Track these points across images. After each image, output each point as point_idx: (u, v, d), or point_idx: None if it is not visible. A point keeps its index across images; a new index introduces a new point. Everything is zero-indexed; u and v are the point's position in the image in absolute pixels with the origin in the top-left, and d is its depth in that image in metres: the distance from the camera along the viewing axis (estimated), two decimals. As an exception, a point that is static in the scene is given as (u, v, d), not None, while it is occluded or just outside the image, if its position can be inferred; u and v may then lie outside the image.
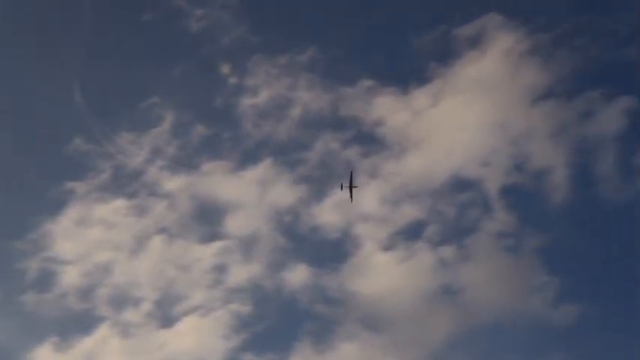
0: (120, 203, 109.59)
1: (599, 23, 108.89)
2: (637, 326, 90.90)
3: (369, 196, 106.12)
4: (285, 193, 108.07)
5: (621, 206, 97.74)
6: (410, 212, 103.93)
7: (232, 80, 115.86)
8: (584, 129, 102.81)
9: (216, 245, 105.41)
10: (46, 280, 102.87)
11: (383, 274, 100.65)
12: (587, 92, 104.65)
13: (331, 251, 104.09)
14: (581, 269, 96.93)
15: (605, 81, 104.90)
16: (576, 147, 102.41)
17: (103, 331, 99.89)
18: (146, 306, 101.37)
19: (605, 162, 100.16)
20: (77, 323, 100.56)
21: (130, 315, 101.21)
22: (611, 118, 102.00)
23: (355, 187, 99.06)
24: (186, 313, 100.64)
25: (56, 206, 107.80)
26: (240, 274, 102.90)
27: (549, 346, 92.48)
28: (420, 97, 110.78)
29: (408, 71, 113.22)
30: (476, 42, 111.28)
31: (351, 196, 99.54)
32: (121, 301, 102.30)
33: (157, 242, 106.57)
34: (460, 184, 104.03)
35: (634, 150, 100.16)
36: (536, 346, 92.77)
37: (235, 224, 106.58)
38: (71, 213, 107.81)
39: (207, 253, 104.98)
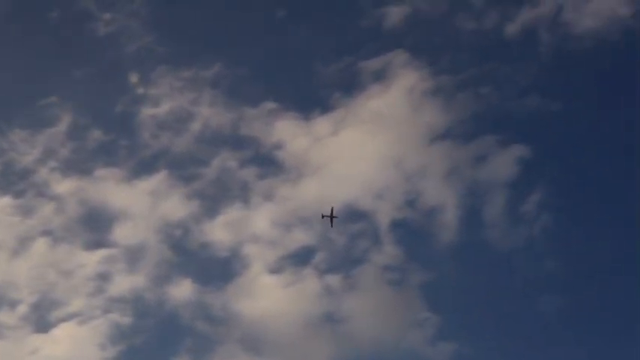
0: (6, 201, 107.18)
1: (502, 72, 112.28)
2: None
3: (262, 218, 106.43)
4: (177, 206, 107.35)
5: (505, 251, 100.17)
6: (301, 237, 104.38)
7: (134, 88, 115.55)
8: (477, 172, 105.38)
9: (102, 253, 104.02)
10: None
11: (268, 297, 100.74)
12: (484, 137, 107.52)
13: (218, 269, 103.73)
14: (461, 309, 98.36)
15: (502, 128, 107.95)
16: (468, 189, 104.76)
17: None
18: (22, 309, 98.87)
19: (494, 207, 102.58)
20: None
21: (5, 316, 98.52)
22: (503, 165, 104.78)
23: (335, 217, 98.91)
24: (63, 319, 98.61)
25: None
26: (124, 284, 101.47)
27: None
28: (322, 124, 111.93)
29: (311, 98, 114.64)
30: (381, 76, 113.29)
31: (332, 224, 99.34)
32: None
33: (40, 244, 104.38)
34: (352, 215, 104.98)
35: (522, 198, 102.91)
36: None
37: (123, 233, 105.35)
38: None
39: (91, 260, 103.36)
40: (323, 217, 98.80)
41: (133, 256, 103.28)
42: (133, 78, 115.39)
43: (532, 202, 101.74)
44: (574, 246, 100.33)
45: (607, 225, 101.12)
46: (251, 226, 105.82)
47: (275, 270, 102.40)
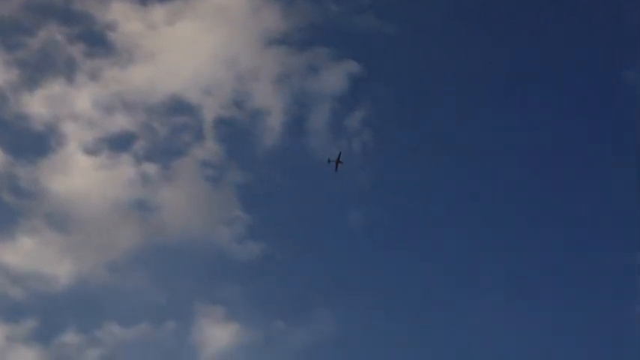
0: None
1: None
2: (312, 275, 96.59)
3: (84, 98, 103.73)
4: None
5: (324, 161, 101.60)
6: (122, 122, 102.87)
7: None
8: (307, 82, 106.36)
9: None
10: None
11: (81, 177, 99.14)
12: (318, 48, 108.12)
13: (32, 143, 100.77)
14: (274, 212, 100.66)
15: (337, 42, 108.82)
16: (296, 97, 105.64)
17: None
18: None
19: (319, 118, 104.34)
20: None
21: None
22: (333, 78, 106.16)
23: (341, 162, 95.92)
24: None
25: None
26: None
27: (227, 277, 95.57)
28: (158, 11, 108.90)
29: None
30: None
31: (337, 168, 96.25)
32: None
33: None
34: (178, 106, 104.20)
35: (347, 112, 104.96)
36: (215, 275, 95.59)
37: None
38: None
39: None
40: (329, 161, 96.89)
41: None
42: None
43: (355, 118, 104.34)
44: (387, 165, 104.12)
45: (421, 148, 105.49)
46: (72, 103, 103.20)
47: (91, 151, 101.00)
